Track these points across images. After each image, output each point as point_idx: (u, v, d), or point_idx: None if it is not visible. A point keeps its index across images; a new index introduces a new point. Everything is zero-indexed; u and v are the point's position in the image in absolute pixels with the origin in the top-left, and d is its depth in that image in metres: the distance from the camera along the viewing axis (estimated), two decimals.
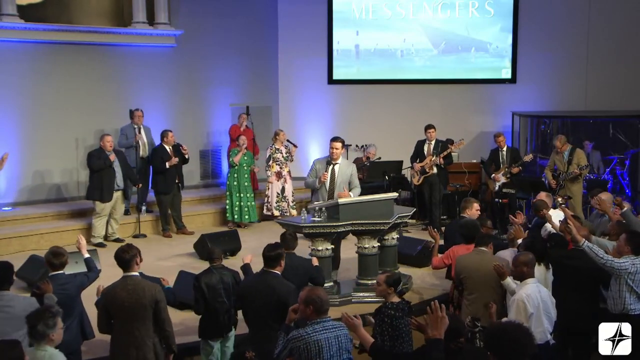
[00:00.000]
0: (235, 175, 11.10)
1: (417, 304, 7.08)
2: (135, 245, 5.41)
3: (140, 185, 10.63)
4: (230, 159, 11.13)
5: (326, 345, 4.29)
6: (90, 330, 5.75)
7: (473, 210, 7.36)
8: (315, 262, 6.65)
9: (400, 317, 5.02)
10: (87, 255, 5.93)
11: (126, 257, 5.17)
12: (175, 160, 10.51)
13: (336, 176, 7.99)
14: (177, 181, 10.67)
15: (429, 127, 10.94)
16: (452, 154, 11.21)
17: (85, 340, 5.79)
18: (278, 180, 11.37)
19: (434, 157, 10.75)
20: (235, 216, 11.13)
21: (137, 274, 5.22)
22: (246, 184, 11.14)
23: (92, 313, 5.71)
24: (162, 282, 5.87)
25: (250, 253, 9.29)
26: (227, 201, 11.17)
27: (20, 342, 4.13)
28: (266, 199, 11.48)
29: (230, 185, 11.12)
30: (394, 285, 5.13)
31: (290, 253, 6.11)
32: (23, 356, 3.82)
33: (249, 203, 11.16)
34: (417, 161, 11.02)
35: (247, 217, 11.16)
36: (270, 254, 5.39)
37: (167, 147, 10.59)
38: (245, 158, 11.13)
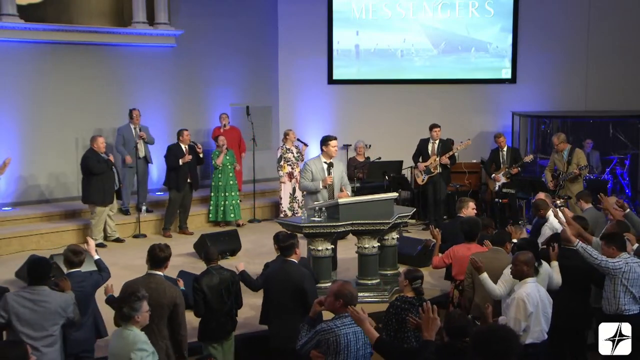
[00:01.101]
0: (220, 175, 11.10)
1: None
2: (143, 246, 5.42)
3: (122, 185, 10.53)
4: (213, 162, 11.11)
5: (354, 339, 4.47)
6: (103, 328, 5.84)
7: (469, 210, 7.40)
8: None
9: (407, 310, 5.06)
10: (96, 256, 5.94)
11: (161, 255, 5.24)
12: (188, 157, 10.50)
13: (333, 175, 8.03)
14: (189, 180, 10.65)
15: (434, 126, 10.93)
16: (455, 154, 11.21)
17: (99, 338, 5.83)
18: (290, 181, 11.36)
19: (438, 157, 10.72)
20: (220, 215, 11.12)
21: (161, 274, 5.27)
22: (231, 182, 11.14)
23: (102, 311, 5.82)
24: (178, 282, 5.88)
25: (249, 253, 9.44)
26: (211, 202, 11.18)
27: (25, 341, 4.14)
28: (280, 200, 11.47)
29: (215, 186, 11.12)
30: (410, 279, 5.26)
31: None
32: (27, 356, 3.84)
33: (233, 202, 11.15)
34: (420, 160, 11.01)
35: (232, 215, 11.15)
36: (285, 244, 5.65)
37: (182, 146, 10.61)
38: (228, 157, 11.12)
